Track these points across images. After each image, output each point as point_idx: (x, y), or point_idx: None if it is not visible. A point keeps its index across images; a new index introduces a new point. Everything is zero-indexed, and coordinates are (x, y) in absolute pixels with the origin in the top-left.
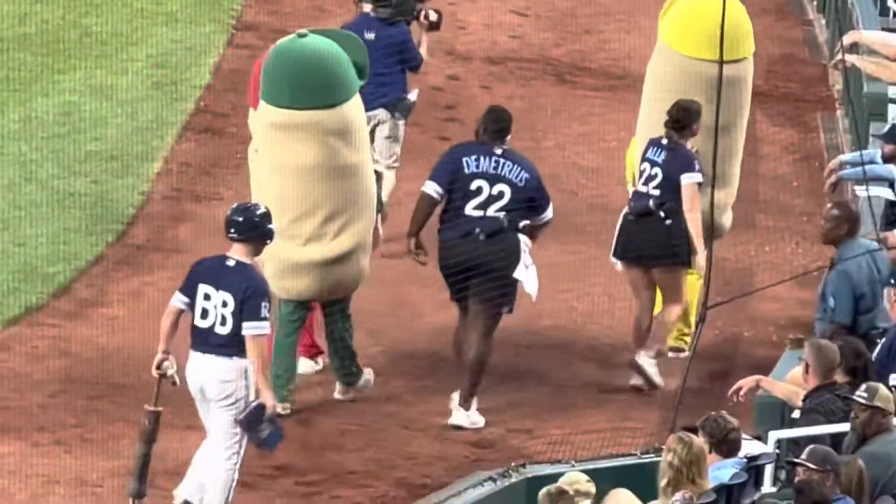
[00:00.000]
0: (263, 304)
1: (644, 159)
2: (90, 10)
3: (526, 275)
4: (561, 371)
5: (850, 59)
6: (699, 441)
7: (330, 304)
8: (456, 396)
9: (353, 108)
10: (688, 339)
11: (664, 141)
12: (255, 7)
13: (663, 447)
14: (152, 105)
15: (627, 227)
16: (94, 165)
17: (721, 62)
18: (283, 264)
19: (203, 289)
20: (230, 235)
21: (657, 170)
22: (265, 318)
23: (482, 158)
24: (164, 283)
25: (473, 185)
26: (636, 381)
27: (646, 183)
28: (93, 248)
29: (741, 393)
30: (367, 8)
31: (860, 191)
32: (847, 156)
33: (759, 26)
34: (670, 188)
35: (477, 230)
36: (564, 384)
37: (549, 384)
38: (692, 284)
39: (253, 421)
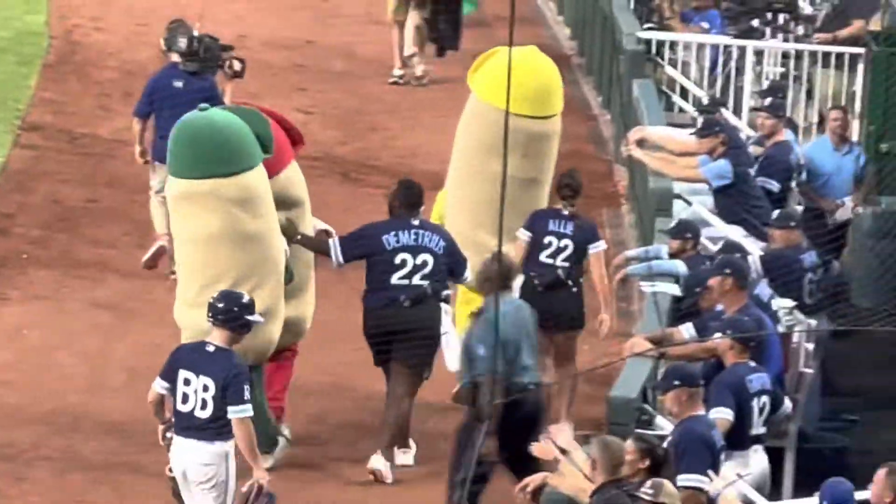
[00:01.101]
0: (246, 387)
1: (547, 233)
2: None
3: (447, 345)
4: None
5: (636, 154)
6: None
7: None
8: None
9: (255, 176)
10: None
11: (565, 212)
12: (39, 107)
13: None
14: None
15: (537, 297)
16: None
17: (505, 113)
18: (194, 332)
19: (183, 374)
20: (209, 319)
21: (566, 241)
22: (248, 401)
23: (401, 233)
24: None
25: (398, 259)
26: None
27: (553, 256)
28: None
29: (528, 489)
30: (175, 58)
31: (646, 287)
32: (633, 252)
33: None
34: (577, 259)
35: (402, 297)
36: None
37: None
38: None
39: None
